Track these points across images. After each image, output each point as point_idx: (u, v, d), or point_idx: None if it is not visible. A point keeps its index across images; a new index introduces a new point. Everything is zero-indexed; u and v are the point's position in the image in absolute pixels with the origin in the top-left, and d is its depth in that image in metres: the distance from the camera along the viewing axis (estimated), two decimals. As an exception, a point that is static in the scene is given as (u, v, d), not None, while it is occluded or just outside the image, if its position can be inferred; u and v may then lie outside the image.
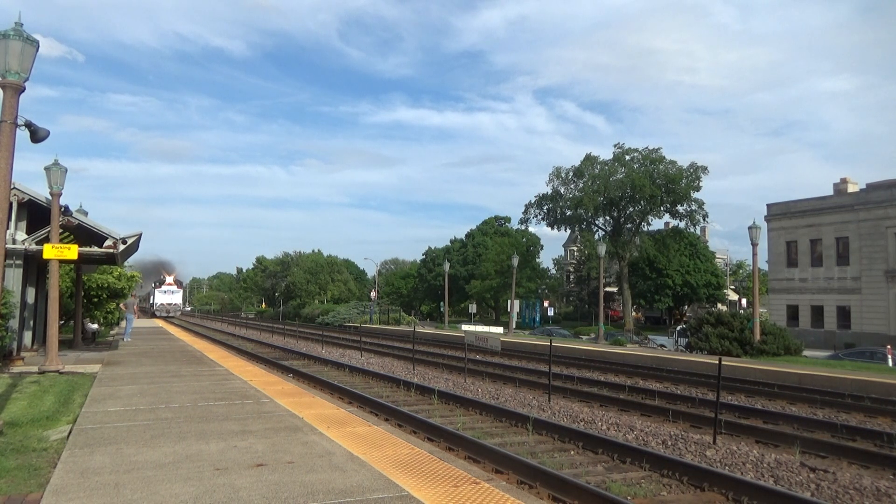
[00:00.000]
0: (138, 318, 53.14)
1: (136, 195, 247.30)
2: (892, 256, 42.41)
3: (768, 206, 51.16)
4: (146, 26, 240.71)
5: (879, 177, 50.61)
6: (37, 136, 8.66)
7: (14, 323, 16.71)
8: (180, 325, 56.95)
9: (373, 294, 79.50)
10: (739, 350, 25.00)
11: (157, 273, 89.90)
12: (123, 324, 31.93)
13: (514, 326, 48.35)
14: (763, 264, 52.01)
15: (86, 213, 20.85)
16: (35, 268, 19.65)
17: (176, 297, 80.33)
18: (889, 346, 29.02)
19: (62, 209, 15.92)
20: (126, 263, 29.47)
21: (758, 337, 25.05)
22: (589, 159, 62.40)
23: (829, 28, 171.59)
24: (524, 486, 7.08)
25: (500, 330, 43.69)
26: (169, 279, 79.49)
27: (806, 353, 27.95)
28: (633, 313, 68.82)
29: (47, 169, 14.80)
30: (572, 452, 8.96)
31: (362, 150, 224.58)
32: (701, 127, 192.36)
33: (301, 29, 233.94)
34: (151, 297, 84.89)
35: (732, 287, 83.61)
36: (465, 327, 43.00)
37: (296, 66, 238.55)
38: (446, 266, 55.72)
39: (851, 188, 47.81)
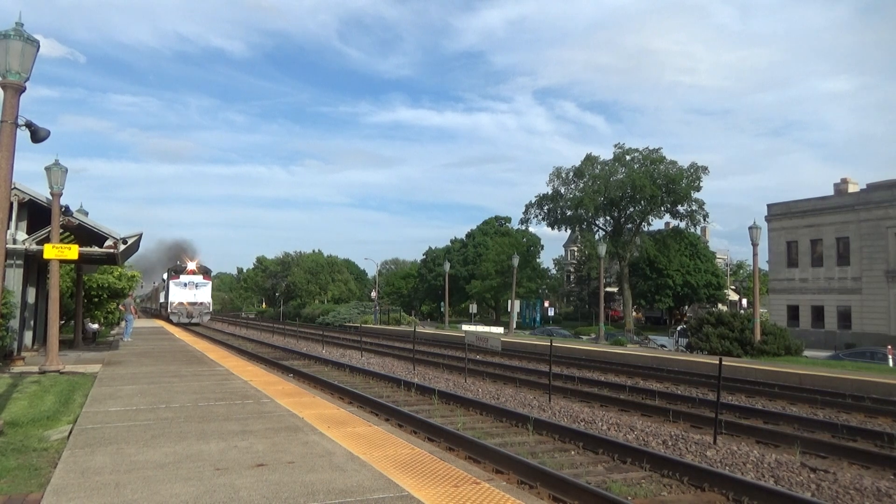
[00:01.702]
0: (138, 318, 52.36)
1: (136, 195, 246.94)
2: (892, 256, 42.38)
3: (769, 206, 51.15)
4: (146, 27, 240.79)
5: (880, 177, 50.71)
6: (37, 136, 8.67)
7: (14, 323, 16.72)
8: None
9: (373, 294, 78.68)
10: (740, 350, 24.99)
11: (172, 258, 65.30)
12: (124, 324, 31.94)
13: (514, 326, 48.36)
14: (763, 264, 52.07)
15: (86, 214, 20.87)
16: (36, 268, 19.67)
17: (202, 293, 52.79)
18: (889, 347, 29.00)
19: (63, 209, 15.92)
20: (127, 263, 29.46)
21: (758, 337, 25.04)
22: (589, 159, 62.41)
23: (829, 29, 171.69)
24: (525, 486, 7.08)
25: (500, 330, 43.80)
26: (191, 265, 53.13)
27: (806, 353, 27.94)
28: (634, 313, 68.78)
29: (48, 169, 14.80)
30: (573, 452, 8.96)
31: (362, 150, 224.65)
32: (701, 127, 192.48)
33: (301, 29, 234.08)
34: (162, 294, 59.36)
35: (733, 287, 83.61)
36: (465, 327, 43.08)
37: (296, 66, 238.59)
38: (446, 266, 55.73)
39: (852, 188, 47.80)
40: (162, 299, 59.34)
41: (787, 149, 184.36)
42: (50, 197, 15.19)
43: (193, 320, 50.85)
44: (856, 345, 37.04)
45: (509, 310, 51.14)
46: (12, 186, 10.45)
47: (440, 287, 69.47)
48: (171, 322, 49.12)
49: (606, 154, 64.03)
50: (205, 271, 54.14)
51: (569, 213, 63.15)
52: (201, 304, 52.70)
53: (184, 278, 52.29)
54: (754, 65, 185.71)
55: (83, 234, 18.87)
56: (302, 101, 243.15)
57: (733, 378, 17.43)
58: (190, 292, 52.06)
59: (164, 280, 58.76)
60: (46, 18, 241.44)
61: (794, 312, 47.79)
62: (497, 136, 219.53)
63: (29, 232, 17.87)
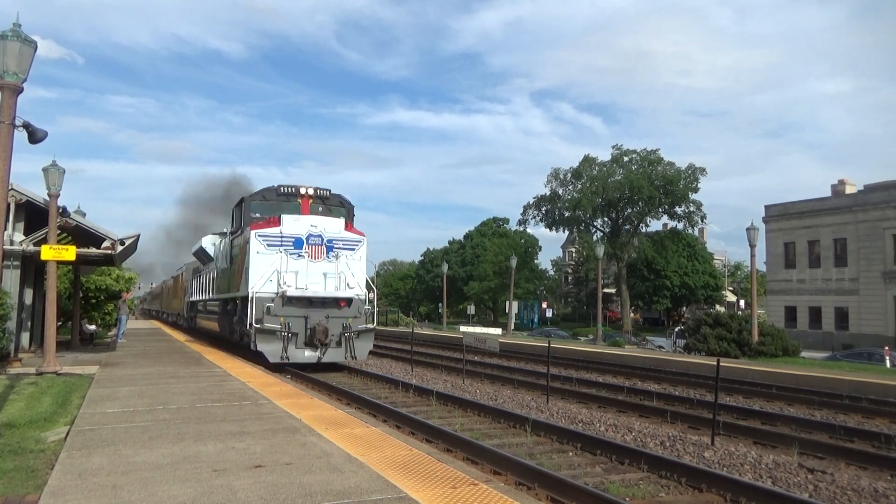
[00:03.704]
0: (136, 318, 51.71)
1: (134, 196, 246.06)
2: (889, 257, 42.49)
3: (766, 207, 51.29)
4: (144, 28, 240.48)
5: (877, 178, 50.70)
6: (35, 137, 8.66)
7: (11, 324, 16.69)
8: (175, 323, 46.22)
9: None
10: (737, 351, 25.02)
11: (227, 193, 35.18)
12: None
13: (512, 327, 48.38)
14: (761, 265, 52.17)
15: (84, 215, 20.85)
16: (33, 269, 19.63)
17: (350, 268, 16.82)
18: (887, 347, 29.10)
19: (60, 210, 15.91)
20: (125, 265, 29.41)
21: (756, 338, 25.06)
22: (587, 161, 62.54)
23: (826, 30, 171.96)
24: (522, 487, 7.08)
25: (498, 331, 43.84)
26: (306, 188, 18.02)
27: (804, 354, 27.98)
28: (632, 314, 68.90)
29: (45, 170, 14.78)
30: (570, 454, 8.95)
31: (360, 151, 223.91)
32: (698, 128, 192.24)
33: (298, 31, 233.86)
34: (205, 276, 25.19)
35: (730, 288, 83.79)
36: (463, 328, 43.12)
37: (293, 67, 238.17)
38: (444, 267, 55.76)
39: (849, 189, 47.96)
40: (200, 294, 26.84)
41: (785, 150, 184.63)
42: (47, 198, 15.17)
43: (325, 356, 16.84)
44: (853, 346, 37.14)
45: (507, 311, 51.23)
46: (9, 187, 10.44)
47: (438, 288, 69.47)
48: (254, 353, 17.22)
49: (604, 155, 64.25)
50: (339, 210, 19.00)
51: (567, 214, 63.29)
52: (351, 299, 17.27)
53: (289, 225, 16.81)
54: (751, 66, 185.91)
55: (81, 235, 18.84)
56: (300, 102, 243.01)
57: (731, 379, 17.44)
58: (316, 266, 16.85)
59: (207, 246, 23.96)
60: (45, 19, 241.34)
61: (791, 313, 47.89)
62: (495, 137, 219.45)
63: (26, 233, 17.84)
